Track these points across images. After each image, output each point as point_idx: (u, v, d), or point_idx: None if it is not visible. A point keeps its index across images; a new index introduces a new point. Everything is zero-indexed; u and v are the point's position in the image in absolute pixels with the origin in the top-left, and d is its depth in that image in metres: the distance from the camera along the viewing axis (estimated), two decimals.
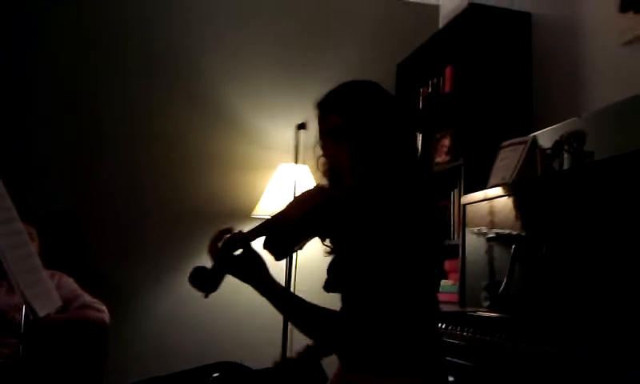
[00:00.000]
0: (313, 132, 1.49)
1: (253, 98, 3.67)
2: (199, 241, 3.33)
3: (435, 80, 3.42)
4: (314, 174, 3.22)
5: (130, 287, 3.38)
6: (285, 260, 2.89)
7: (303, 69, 3.72)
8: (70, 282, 2.79)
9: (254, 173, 3.61)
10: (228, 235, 1.41)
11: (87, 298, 2.74)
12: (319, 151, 1.48)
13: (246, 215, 3.48)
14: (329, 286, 1.40)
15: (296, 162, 3.21)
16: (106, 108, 3.46)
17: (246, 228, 1.43)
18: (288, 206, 1.45)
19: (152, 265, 3.42)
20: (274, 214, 1.46)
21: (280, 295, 1.37)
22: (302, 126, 3.04)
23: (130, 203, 3.43)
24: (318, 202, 1.41)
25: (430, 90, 3.44)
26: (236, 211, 3.53)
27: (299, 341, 1.37)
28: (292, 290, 3.00)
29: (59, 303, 2.48)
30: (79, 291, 2.76)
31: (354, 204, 1.35)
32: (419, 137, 3.46)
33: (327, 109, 1.45)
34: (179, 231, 3.47)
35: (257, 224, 1.44)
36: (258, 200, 3.44)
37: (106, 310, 2.74)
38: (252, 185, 3.59)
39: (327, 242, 1.46)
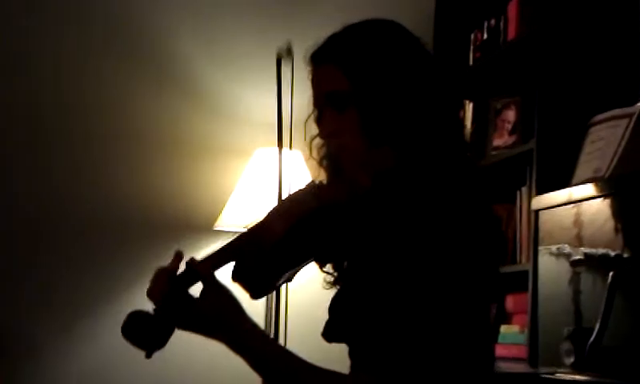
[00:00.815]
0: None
1: (216, 48, 3.65)
2: (134, 267, 3.31)
3: (494, 21, 3.39)
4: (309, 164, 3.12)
5: (28, 340, 3.34)
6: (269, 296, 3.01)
7: (293, 2, 3.72)
8: None
9: (218, 163, 3.60)
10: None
11: None
12: (313, 129, 1.50)
13: (205, 227, 3.43)
14: (332, 333, 1.43)
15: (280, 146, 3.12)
16: None
17: (207, 247, 1.50)
18: (268, 217, 1.46)
19: (61, 306, 3.40)
20: (247, 229, 1.47)
21: (264, 352, 1.38)
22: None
23: (25, 213, 3.41)
24: (313, 208, 1.42)
25: (485, 36, 3.42)
26: (190, 221, 3.51)
27: None
28: (282, 340, 3.09)
29: None
30: None
31: (372, 212, 1.37)
32: (469, 106, 3.41)
33: (327, 63, 1.46)
34: (103, 253, 3.44)
35: (223, 243, 1.46)
36: (223, 205, 3.40)
37: None
38: (214, 181, 3.57)
39: (328, 268, 1.49)
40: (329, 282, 1.51)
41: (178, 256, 1.44)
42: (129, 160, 3.55)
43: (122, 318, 1.39)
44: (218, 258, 1.44)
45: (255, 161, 3.38)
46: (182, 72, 3.64)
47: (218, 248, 1.46)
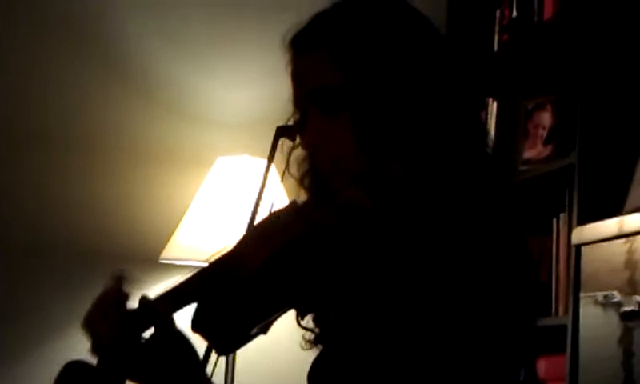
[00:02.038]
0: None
1: (170, 30, 3.55)
2: (64, 304, 3.23)
3: None
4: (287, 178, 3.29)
5: None
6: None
7: None
8: None
9: (170, 174, 3.50)
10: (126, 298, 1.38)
11: None
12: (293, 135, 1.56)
13: (150, 258, 3.31)
14: None
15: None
16: None
17: (155, 283, 1.46)
18: (241, 244, 1.44)
19: None
20: (213, 260, 1.44)
21: None
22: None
23: None
24: (298, 233, 1.40)
25: (514, 13, 3.32)
26: (132, 250, 3.40)
27: None
28: None
29: None
30: None
31: (370, 243, 1.36)
32: (493, 105, 3.37)
33: (313, 51, 1.43)
34: (24, 286, 3.30)
35: (181, 279, 1.42)
36: (172, 230, 3.27)
37: None
38: (164, 197, 3.48)
39: (308, 321, 1.47)
40: (308, 341, 1.46)
41: (121, 281, 1.35)
42: (68, 174, 3.42)
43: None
44: (176, 298, 1.39)
45: (216, 172, 3.26)
46: (126, 58, 3.54)
47: (175, 284, 1.40)
